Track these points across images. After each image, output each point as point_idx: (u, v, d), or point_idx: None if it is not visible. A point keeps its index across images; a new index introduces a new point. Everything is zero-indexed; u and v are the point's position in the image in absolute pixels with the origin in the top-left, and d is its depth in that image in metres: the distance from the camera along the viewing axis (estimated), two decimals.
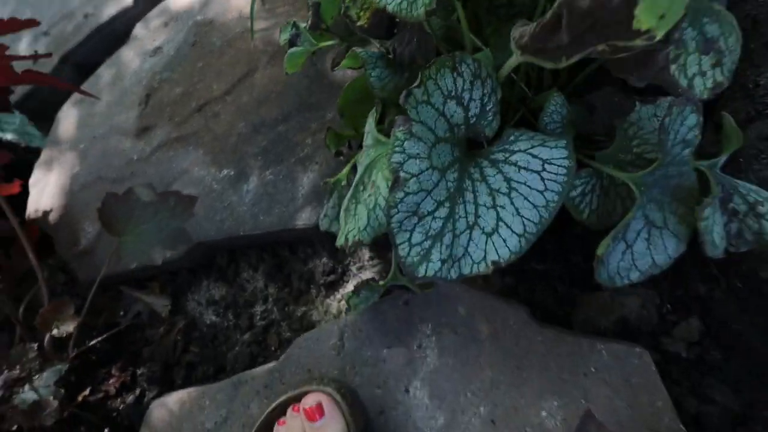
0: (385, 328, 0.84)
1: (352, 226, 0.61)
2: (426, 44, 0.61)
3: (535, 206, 0.57)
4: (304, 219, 1.02)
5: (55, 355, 0.92)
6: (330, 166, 1.03)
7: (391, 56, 0.63)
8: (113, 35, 1.50)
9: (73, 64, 1.52)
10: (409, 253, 0.55)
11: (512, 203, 0.57)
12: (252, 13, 0.97)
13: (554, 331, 0.76)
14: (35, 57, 1.04)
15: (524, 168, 0.58)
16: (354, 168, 0.76)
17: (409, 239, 0.55)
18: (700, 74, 0.52)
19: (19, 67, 0.98)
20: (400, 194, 0.53)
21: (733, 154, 0.76)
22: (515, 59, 0.52)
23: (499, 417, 0.74)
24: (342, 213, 0.65)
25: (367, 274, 1.04)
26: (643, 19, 0.39)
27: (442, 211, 0.56)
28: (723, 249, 0.57)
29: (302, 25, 0.83)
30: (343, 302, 1.04)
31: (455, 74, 0.55)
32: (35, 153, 1.39)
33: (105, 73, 1.41)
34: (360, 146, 0.92)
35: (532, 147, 0.58)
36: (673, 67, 0.52)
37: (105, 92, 1.36)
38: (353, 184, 0.62)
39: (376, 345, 0.84)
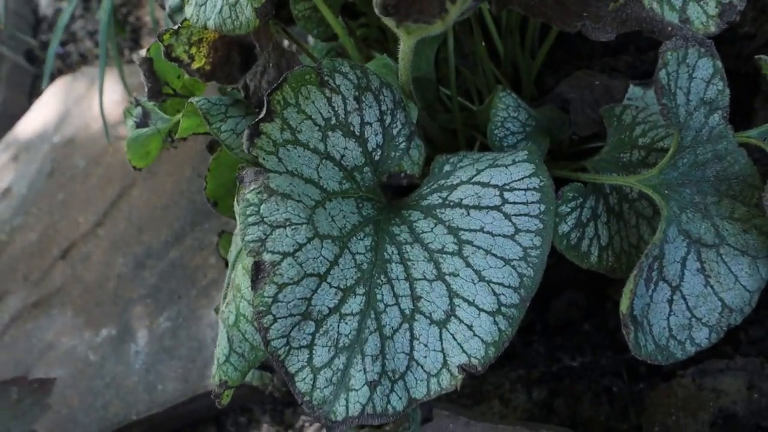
0: None
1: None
2: (290, 65, 0.53)
3: (506, 261, 0.46)
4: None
5: None
6: None
7: (245, 98, 0.55)
8: None
9: None
10: (314, 386, 0.42)
11: (468, 265, 0.46)
12: (102, 107, 0.93)
13: None
14: None
15: (475, 207, 0.47)
16: None
17: (309, 361, 0.42)
18: None
19: None
20: (272, 289, 0.41)
21: None
22: (404, 42, 0.44)
23: None
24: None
25: None
26: None
27: (354, 303, 0.44)
28: None
29: (150, 102, 0.77)
30: None
31: (327, 91, 0.47)
32: None
33: None
34: None
35: (479, 173, 0.48)
36: None
37: None
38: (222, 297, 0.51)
39: None
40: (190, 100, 0.55)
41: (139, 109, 0.77)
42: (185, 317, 0.95)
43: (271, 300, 0.41)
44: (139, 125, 0.77)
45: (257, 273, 0.41)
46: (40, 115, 1.38)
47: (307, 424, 0.91)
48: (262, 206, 0.42)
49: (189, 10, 0.51)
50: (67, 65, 1.61)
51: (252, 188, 0.43)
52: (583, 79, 0.60)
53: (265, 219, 0.42)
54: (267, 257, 0.42)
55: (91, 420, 0.94)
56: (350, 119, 0.48)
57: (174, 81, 0.70)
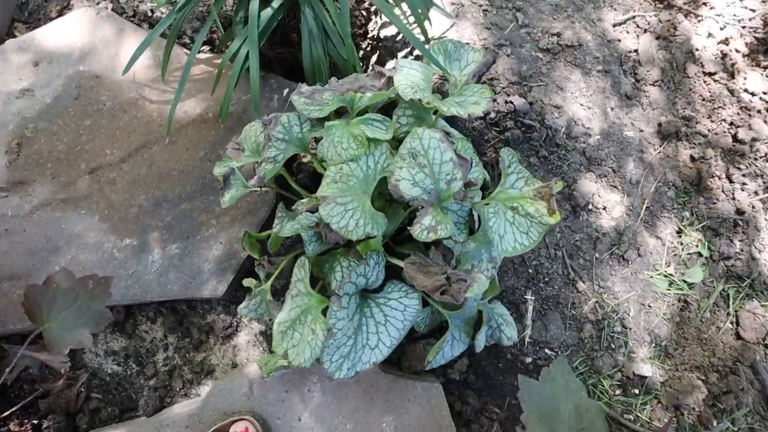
0: (285, 378, 1.18)
1: (289, 346, 0.94)
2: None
3: (398, 329, 0.99)
4: (210, 289, 1.25)
5: None
6: (233, 248, 1.27)
7: (322, 235, 0.95)
8: None
9: None
10: (330, 367, 0.92)
11: (386, 330, 0.98)
12: (172, 114, 1.11)
13: (393, 376, 1.22)
14: None
15: (395, 309, 0.99)
16: (274, 286, 1.06)
17: (331, 358, 0.92)
18: (486, 270, 1.01)
19: None
20: (332, 341, 0.88)
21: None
22: (405, 265, 0.92)
23: (359, 429, 1.18)
24: (277, 330, 0.96)
25: (255, 325, 1.34)
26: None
27: (350, 342, 0.94)
28: (484, 345, 1.10)
29: (236, 165, 1.05)
30: (237, 348, 1.32)
31: (365, 265, 0.92)
32: None
33: None
34: (272, 256, 1.19)
35: (400, 298, 1.00)
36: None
37: None
38: (291, 318, 0.94)
39: (277, 391, 1.18)
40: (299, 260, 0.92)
41: (229, 168, 1.04)
42: (190, 251, 1.26)
43: (331, 344, 0.88)
44: (224, 178, 1.05)
45: (329, 334, 0.88)
46: (64, 35, 1.34)
47: (244, 319, 1.34)
48: (338, 312, 0.88)
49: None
50: None
51: (335, 305, 0.88)
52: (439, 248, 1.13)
53: (337, 317, 0.88)
54: (333, 329, 0.88)
55: (117, 294, 1.21)
56: (368, 273, 0.94)
57: (267, 180, 1.01)
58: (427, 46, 1.10)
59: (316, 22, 1.19)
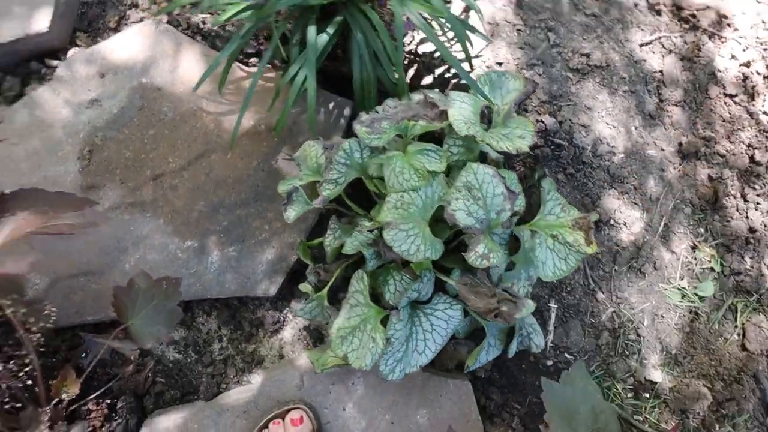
0: (331, 372, 1.30)
1: (349, 350, 1.05)
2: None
3: (441, 336, 1.11)
4: (263, 289, 1.36)
5: (58, 415, 1.11)
6: (284, 252, 1.37)
7: (381, 252, 1.05)
8: (15, 56, 1.40)
9: None
10: (384, 370, 1.04)
11: (432, 337, 1.10)
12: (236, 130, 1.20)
13: (427, 373, 1.34)
14: None
15: (440, 318, 1.10)
16: (331, 294, 1.17)
17: (386, 363, 1.03)
18: (523, 287, 1.11)
19: None
20: (390, 348, 1.00)
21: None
22: (453, 281, 1.02)
23: (396, 420, 1.31)
24: (336, 335, 1.07)
25: (299, 320, 1.46)
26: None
27: (403, 348, 1.05)
28: (516, 351, 1.21)
29: (299, 183, 1.15)
30: (283, 341, 1.44)
31: (419, 282, 1.03)
32: None
33: (21, 112, 1.35)
34: (329, 262, 1.29)
35: (445, 309, 1.11)
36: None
37: (22, 135, 1.33)
38: (351, 325, 1.05)
39: (325, 383, 1.30)
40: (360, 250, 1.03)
41: (293, 186, 1.14)
42: (245, 254, 1.36)
43: (389, 351, 1.00)
44: (288, 195, 1.15)
45: (388, 343, 0.99)
46: (127, 49, 1.41)
47: (290, 315, 1.45)
48: (396, 324, 0.99)
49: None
50: None
51: (395, 318, 0.98)
52: None
53: (395, 329, 0.99)
54: (392, 339, 0.99)
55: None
56: (421, 289, 1.05)
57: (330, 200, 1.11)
58: (470, 71, 1.18)
59: (366, 47, 1.27)
